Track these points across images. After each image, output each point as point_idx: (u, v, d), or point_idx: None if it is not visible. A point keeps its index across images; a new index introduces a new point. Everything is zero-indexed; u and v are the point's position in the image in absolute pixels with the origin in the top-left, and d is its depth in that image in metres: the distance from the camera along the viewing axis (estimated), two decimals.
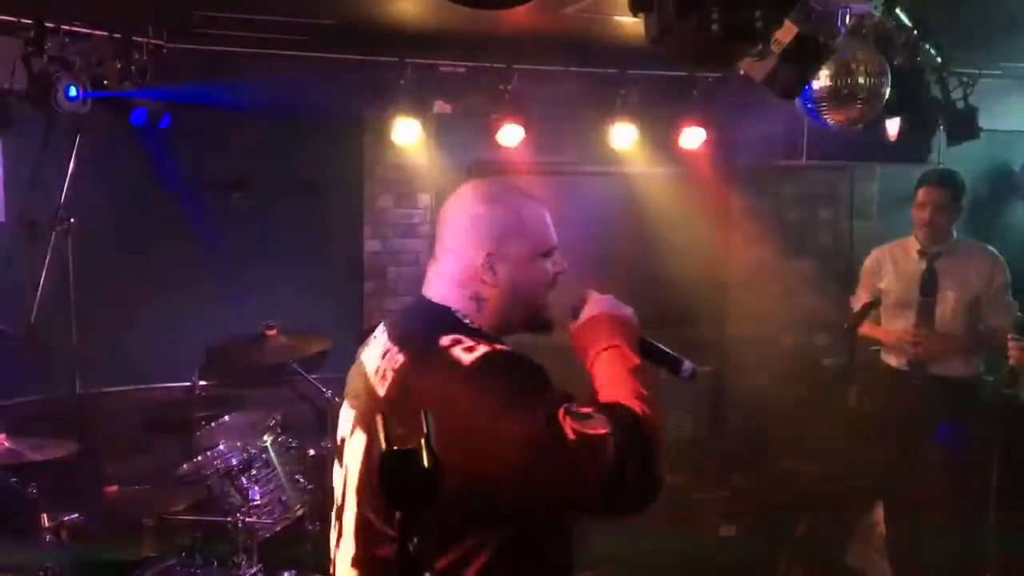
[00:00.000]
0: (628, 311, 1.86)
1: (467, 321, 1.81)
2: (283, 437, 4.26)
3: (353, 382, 1.92)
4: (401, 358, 1.76)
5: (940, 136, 4.47)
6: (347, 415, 1.92)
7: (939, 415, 4.34)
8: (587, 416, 1.61)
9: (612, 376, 1.74)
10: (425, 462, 1.31)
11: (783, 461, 5.25)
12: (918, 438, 4.40)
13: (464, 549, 1.68)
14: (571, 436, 1.56)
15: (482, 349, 1.67)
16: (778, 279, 5.98)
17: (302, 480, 4.22)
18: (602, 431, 1.59)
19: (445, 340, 1.70)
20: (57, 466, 3.66)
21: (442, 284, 1.86)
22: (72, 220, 4.31)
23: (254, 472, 4.03)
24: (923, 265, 4.46)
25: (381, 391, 1.76)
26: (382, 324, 1.94)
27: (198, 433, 4.31)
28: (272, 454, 4.14)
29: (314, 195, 5.11)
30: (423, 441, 1.32)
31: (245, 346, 4.68)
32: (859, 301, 4.67)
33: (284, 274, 4.96)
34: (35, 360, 4.31)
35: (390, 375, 1.75)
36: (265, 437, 4.15)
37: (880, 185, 6.09)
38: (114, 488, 3.86)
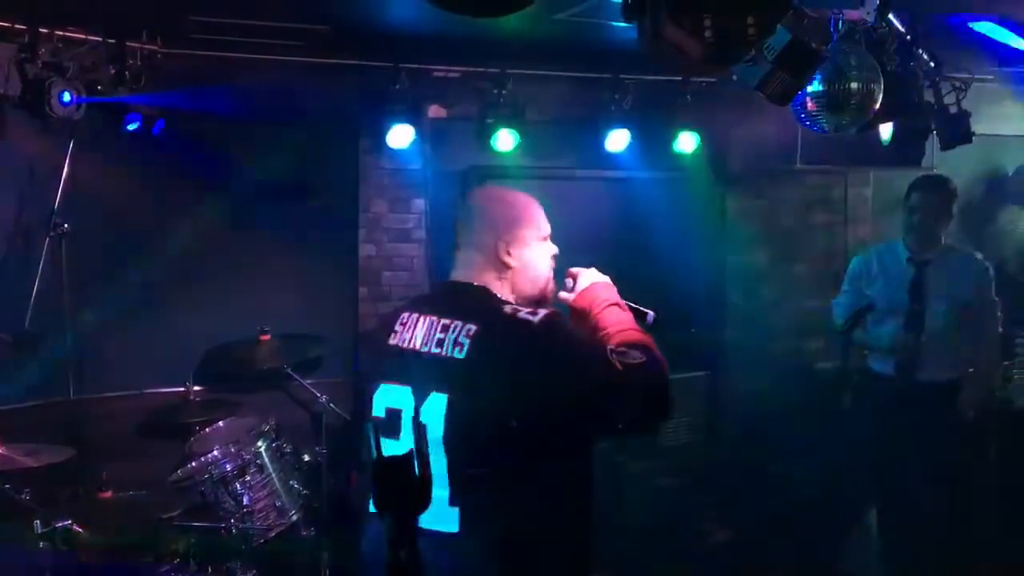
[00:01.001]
0: (609, 278, 2.35)
1: (498, 295, 2.17)
2: (277, 442, 4.24)
3: (396, 366, 2.14)
4: (474, 327, 2.04)
5: (933, 141, 4.47)
6: (395, 393, 2.13)
7: (928, 419, 4.33)
8: (624, 352, 2.02)
9: (621, 324, 2.19)
10: (416, 471, 1.32)
11: (778, 465, 5.24)
12: (910, 442, 4.39)
13: (518, 480, 1.97)
14: (619, 367, 1.97)
15: (542, 311, 2.05)
16: (773, 283, 5.98)
17: (297, 485, 4.21)
18: (638, 361, 2.01)
19: (507, 308, 2.07)
20: (51, 472, 3.65)
21: (469, 268, 2.22)
22: (66, 225, 4.29)
23: (248, 478, 4.02)
24: (912, 271, 4.45)
25: (460, 355, 2.03)
26: (407, 312, 2.20)
27: (192, 438, 4.31)
28: (266, 459, 4.13)
29: (309, 200, 5.11)
30: (414, 451, 1.33)
31: (240, 351, 4.68)
32: (842, 304, 4.66)
33: (279, 279, 4.96)
34: (29, 365, 4.29)
35: (465, 341, 2.03)
36: (259, 442, 4.14)
37: (874, 189, 6.10)
38: (108, 494, 3.84)
